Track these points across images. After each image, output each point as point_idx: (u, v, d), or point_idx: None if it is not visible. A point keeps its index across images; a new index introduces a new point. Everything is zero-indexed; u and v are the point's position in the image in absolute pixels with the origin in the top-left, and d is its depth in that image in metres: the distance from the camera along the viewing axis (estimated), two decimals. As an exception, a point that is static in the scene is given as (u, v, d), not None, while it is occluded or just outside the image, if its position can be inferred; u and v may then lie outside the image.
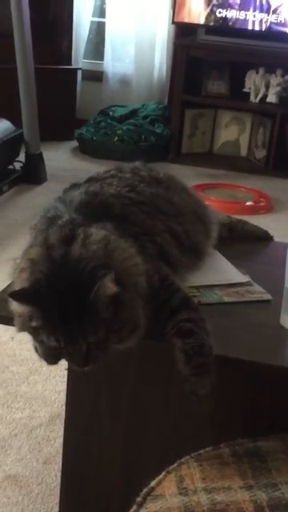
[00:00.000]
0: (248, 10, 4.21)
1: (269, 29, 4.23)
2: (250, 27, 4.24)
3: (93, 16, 4.87)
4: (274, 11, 4.19)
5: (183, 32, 4.52)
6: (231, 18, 4.24)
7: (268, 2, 4.18)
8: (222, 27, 4.28)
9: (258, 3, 4.19)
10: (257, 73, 4.40)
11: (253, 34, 4.25)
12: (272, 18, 4.19)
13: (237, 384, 1.22)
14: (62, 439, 1.41)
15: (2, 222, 3.30)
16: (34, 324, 1.03)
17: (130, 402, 1.30)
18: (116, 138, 4.36)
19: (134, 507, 1.01)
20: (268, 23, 4.21)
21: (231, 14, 4.23)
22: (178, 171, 3.37)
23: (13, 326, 1.09)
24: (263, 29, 4.23)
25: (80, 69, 4.78)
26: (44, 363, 1.10)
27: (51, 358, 1.08)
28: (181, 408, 1.24)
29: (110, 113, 4.61)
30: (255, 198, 3.79)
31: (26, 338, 1.09)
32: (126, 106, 4.69)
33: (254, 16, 4.21)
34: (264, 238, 1.65)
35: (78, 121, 4.68)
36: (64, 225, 1.13)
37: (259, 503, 0.96)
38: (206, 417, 1.16)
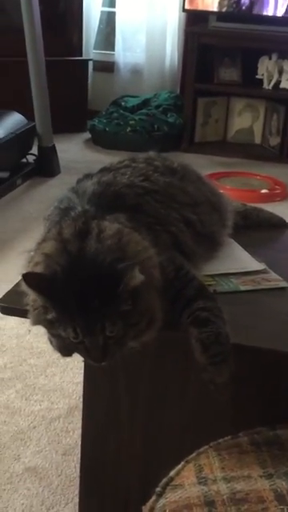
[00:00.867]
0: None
1: (285, 13, 4.17)
2: (264, 13, 4.19)
3: (103, 6, 4.85)
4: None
5: (194, 19, 4.49)
6: (244, 3, 4.20)
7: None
8: (234, 13, 4.23)
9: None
10: (270, 59, 4.36)
11: (267, 19, 4.20)
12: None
13: (255, 372, 1.21)
14: (80, 431, 1.41)
15: (17, 216, 3.30)
16: (49, 317, 1.03)
17: (148, 391, 1.30)
18: (129, 129, 4.35)
19: (154, 497, 1.01)
20: (284, 8, 4.15)
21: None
22: (191, 160, 3.35)
23: (28, 318, 1.09)
24: (278, 14, 4.17)
25: (91, 60, 4.77)
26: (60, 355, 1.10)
27: (66, 350, 1.07)
28: (199, 397, 1.24)
29: (122, 103, 4.60)
30: (270, 186, 3.77)
31: (42, 331, 1.09)
32: (138, 95, 4.67)
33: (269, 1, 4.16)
34: (280, 225, 1.64)
35: (90, 112, 4.67)
36: (77, 217, 1.12)
37: (279, 492, 0.95)
38: (224, 405, 1.16)
